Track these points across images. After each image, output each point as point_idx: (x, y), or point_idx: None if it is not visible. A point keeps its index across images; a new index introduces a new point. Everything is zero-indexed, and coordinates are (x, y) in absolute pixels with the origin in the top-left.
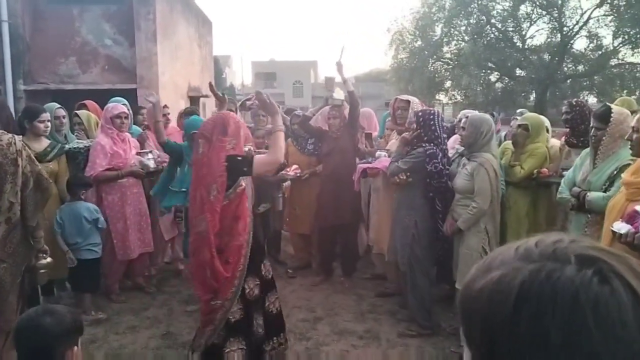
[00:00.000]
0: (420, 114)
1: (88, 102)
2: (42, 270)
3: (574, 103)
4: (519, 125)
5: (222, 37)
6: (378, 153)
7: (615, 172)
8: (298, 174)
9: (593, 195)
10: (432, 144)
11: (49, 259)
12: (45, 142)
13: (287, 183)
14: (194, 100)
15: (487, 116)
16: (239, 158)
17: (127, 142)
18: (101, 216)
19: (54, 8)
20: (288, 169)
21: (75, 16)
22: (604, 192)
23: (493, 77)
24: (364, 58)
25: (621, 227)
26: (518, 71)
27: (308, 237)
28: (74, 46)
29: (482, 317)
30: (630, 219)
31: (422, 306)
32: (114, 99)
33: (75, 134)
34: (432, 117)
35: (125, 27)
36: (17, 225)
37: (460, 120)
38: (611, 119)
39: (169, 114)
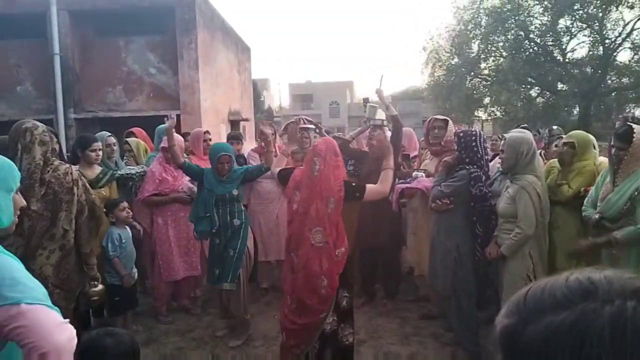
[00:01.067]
0: (461, 134)
1: (136, 129)
2: (94, 297)
3: (630, 118)
4: (565, 143)
5: (260, 61)
6: (415, 173)
7: (636, 193)
8: None
9: (624, 231)
10: (475, 166)
11: (100, 286)
12: (97, 169)
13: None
14: (234, 124)
15: (527, 135)
16: (354, 184)
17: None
18: (110, 245)
19: (102, 40)
20: None
21: (122, 47)
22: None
23: (534, 92)
24: (400, 76)
25: None
26: (560, 85)
27: (349, 259)
28: (121, 75)
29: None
30: None
31: (468, 330)
32: (161, 126)
33: (124, 160)
34: (473, 137)
35: (168, 56)
36: (70, 252)
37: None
38: (633, 138)
39: (210, 139)
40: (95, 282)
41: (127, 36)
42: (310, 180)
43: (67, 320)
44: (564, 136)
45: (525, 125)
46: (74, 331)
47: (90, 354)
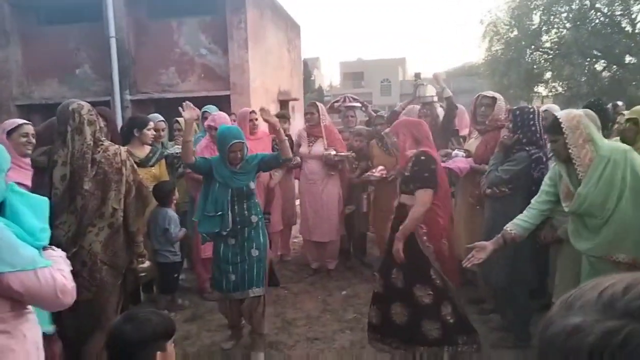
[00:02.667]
0: (517, 112)
1: None
2: (142, 274)
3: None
4: (628, 120)
5: (310, 40)
6: (455, 152)
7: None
8: (384, 175)
9: None
10: (534, 147)
11: (147, 263)
12: (147, 149)
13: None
14: (283, 103)
15: (581, 112)
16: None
17: None
18: (172, 227)
19: (155, 22)
20: (373, 170)
21: (174, 28)
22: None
23: (599, 66)
24: (455, 51)
25: None
26: (628, 58)
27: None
28: (174, 57)
29: None
30: None
31: (521, 320)
32: (207, 106)
33: (175, 139)
34: (532, 116)
35: (219, 36)
36: (119, 230)
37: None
38: (562, 127)
39: (256, 119)
40: (142, 259)
41: (179, 17)
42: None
43: (49, 265)
44: (625, 113)
45: (598, 99)
46: (60, 278)
47: (111, 341)
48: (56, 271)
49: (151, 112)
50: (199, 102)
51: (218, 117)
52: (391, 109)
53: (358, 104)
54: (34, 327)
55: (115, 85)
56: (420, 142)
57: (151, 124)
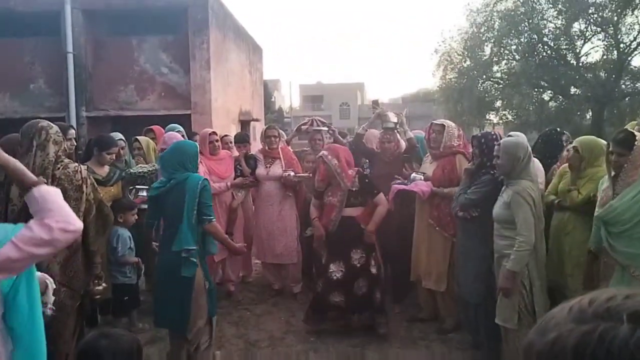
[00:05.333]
0: (482, 139)
1: (155, 127)
2: (97, 296)
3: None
4: (573, 148)
5: (271, 62)
6: (413, 175)
7: None
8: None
9: None
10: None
11: (104, 284)
12: (107, 168)
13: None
14: (245, 124)
15: (523, 139)
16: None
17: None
18: (120, 246)
19: (114, 39)
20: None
21: (135, 46)
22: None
23: (546, 96)
24: (410, 79)
25: None
26: (572, 89)
27: None
28: (133, 75)
29: None
30: None
31: (493, 338)
32: (170, 125)
33: (134, 158)
34: (494, 141)
35: (180, 55)
36: (77, 250)
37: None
38: (635, 145)
39: (217, 140)
40: (99, 281)
41: (140, 35)
42: None
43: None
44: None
45: (554, 128)
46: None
47: (86, 357)
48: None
49: (108, 129)
50: (159, 121)
51: (169, 139)
52: (352, 131)
53: (325, 128)
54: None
55: (71, 102)
56: (350, 163)
57: (114, 149)
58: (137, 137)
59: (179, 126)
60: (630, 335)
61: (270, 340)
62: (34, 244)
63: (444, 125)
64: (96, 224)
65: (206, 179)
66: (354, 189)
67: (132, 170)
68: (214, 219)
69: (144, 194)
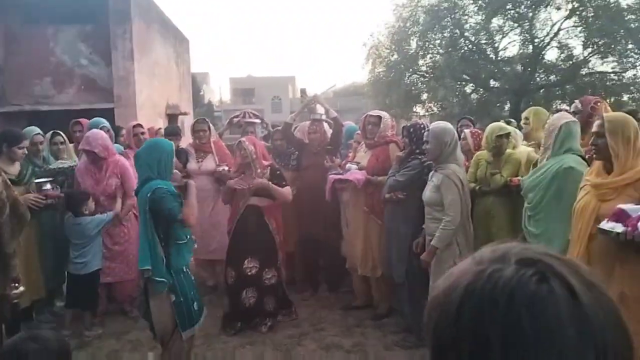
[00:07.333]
0: (411, 129)
1: (83, 120)
2: (14, 300)
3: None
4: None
5: (200, 55)
6: (348, 165)
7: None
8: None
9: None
10: (425, 156)
11: (21, 288)
12: (18, 165)
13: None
14: (172, 117)
15: (449, 125)
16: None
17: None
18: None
19: (28, 29)
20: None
21: (50, 36)
22: None
23: (468, 89)
24: (341, 72)
25: (615, 226)
26: (492, 82)
27: (292, 255)
28: (49, 67)
29: (434, 320)
30: (618, 218)
31: (420, 316)
32: (94, 120)
33: (56, 154)
34: (423, 130)
35: (101, 46)
36: None
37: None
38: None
39: (142, 132)
40: (17, 284)
41: (56, 24)
42: None
43: None
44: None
45: (470, 117)
46: None
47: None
48: None
49: (24, 125)
50: (81, 115)
51: (93, 138)
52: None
53: (258, 120)
54: None
55: None
56: (265, 157)
57: (25, 142)
58: (57, 130)
59: (104, 121)
60: (514, 274)
61: (205, 338)
62: None
63: (381, 117)
64: (11, 223)
65: (157, 188)
66: (264, 177)
67: (50, 167)
68: (180, 216)
69: (48, 187)
